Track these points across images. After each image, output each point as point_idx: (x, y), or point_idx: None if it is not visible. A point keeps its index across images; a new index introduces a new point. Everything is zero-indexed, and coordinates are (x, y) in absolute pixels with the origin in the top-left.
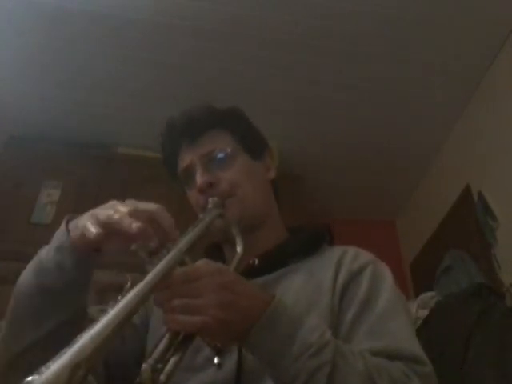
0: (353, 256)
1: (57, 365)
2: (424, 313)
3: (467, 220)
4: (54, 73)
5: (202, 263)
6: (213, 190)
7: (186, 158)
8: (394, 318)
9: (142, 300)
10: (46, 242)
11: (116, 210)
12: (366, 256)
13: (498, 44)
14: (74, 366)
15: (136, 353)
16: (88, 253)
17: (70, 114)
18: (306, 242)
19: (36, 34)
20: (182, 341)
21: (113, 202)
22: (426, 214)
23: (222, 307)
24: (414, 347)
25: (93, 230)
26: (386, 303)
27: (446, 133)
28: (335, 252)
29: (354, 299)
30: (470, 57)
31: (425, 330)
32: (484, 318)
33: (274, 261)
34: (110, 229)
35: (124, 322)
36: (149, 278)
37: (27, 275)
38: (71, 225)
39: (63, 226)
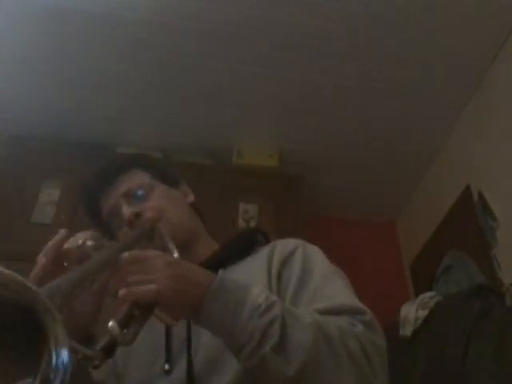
0: (282, 245)
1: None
2: (424, 313)
3: (467, 220)
4: (54, 73)
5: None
6: (141, 220)
7: (109, 201)
8: (330, 283)
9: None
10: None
11: None
12: (294, 241)
13: (498, 44)
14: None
15: None
16: None
17: (70, 114)
18: (236, 246)
19: (36, 34)
20: (140, 314)
21: None
22: (426, 214)
23: (173, 279)
24: (354, 302)
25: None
26: (320, 274)
27: (446, 133)
28: (266, 248)
29: (291, 277)
30: (469, 57)
31: (425, 330)
32: (484, 318)
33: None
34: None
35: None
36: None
37: None
38: None
39: None
